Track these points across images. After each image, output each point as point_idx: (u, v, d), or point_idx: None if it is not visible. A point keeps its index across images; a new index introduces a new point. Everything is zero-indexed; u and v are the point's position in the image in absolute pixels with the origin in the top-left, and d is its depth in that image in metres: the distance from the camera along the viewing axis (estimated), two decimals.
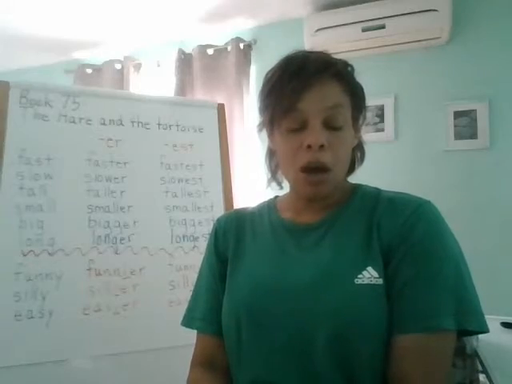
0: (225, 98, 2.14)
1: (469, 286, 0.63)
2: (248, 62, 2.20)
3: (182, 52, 2.28)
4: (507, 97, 1.82)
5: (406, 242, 0.64)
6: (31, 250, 1.35)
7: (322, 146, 0.66)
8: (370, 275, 0.64)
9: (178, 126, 1.32)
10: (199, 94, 2.23)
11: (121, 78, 2.43)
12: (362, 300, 0.63)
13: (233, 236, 0.80)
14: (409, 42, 1.89)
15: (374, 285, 0.64)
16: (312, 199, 0.73)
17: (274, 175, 0.82)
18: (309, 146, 0.66)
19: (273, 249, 0.75)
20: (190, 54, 2.29)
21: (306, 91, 0.66)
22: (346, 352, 0.62)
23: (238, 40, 2.18)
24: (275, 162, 0.80)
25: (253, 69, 2.21)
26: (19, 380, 1.26)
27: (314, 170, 0.68)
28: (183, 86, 2.27)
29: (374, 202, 0.72)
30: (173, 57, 2.28)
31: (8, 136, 1.20)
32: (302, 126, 0.67)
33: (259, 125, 0.77)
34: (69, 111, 1.14)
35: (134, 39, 2.37)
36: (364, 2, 1.91)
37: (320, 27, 1.96)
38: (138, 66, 2.43)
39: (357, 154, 0.79)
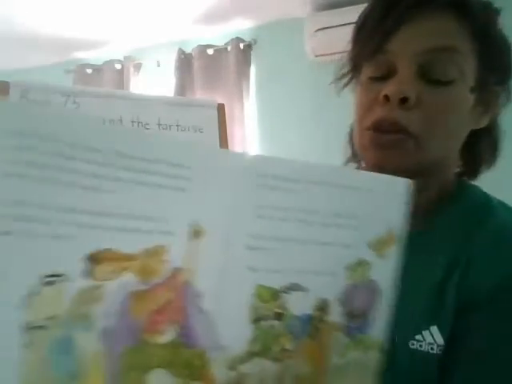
0: (225, 98, 2.14)
1: None
2: (248, 62, 2.19)
3: (181, 52, 2.28)
4: None
5: (502, 304, 0.42)
6: None
7: (404, 100, 0.44)
8: (432, 340, 0.44)
9: (178, 126, 1.33)
10: (199, 94, 2.23)
11: (121, 78, 2.43)
12: (411, 376, 0.44)
13: None
14: None
15: (432, 355, 0.44)
16: (385, 171, 0.49)
17: (354, 151, 0.58)
18: (386, 98, 0.45)
19: None
20: (190, 54, 2.29)
21: (401, 28, 0.46)
22: None
23: (238, 40, 2.18)
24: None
25: (253, 69, 2.21)
26: None
27: (386, 130, 0.46)
28: (183, 86, 2.27)
29: (476, 221, 0.47)
30: (173, 57, 2.28)
31: None
32: (388, 74, 0.47)
33: (343, 76, 0.55)
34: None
35: (134, 39, 2.37)
36: (364, 2, 1.90)
37: (320, 27, 1.96)
38: (137, 66, 2.43)
39: (482, 144, 0.52)
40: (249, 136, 2.15)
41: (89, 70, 2.53)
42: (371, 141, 0.47)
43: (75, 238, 0.26)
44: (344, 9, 1.92)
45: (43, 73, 2.60)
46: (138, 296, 0.28)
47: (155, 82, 2.39)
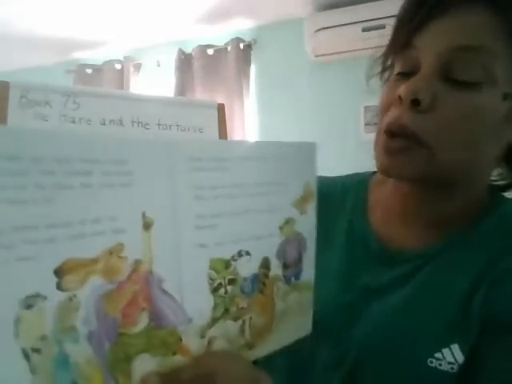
0: (225, 98, 2.14)
1: None
2: (248, 62, 2.19)
3: (181, 52, 2.28)
4: None
5: None
6: None
7: (416, 102, 0.41)
8: (452, 358, 0.42)
9: (178, 126, 1.33)
10: (199, 94, 2.23)
11: (121, 78, 2.43)
12: None
13: None
14: None
15: (452, 374, 0.41)
16: (389, 176, 0.47)
17: None
18: (399, 98, 0.42)
19: (340, 269, 0.51)
20: (190, 54, 2.29)
21: (432, 22, 0.42)
22: None
23: (238, 40, 2.18)
24: None
25: (253, 69, 2.21)
26: None
27: (395, 134, 0.43)
28: (183, 86, 2.27)
29: (509, 241, 0.44)
30: (173, 57, 2.28)
31: None
32: (413, 71, 0.43)
33: (382, 71, 0.51)
34: (69, 111, 1.33)
35: (134, 39, 2.37)
36: (364, 2, 1.91)
37: (320, 27, 1.96)
38: (137, 66, 2.43)
39: None
40: (249, 136, 2.15)
41: (89, 70, 2.53)
42: (382, 145, 0.44)
43: (38, 255, 0.26)
44: (344, 9, 1.92)
45: (43, 73, 2.60)
46: (108, 296, 0.30)
47: (155, 82, 2.39)
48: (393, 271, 0.48)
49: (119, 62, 2.46)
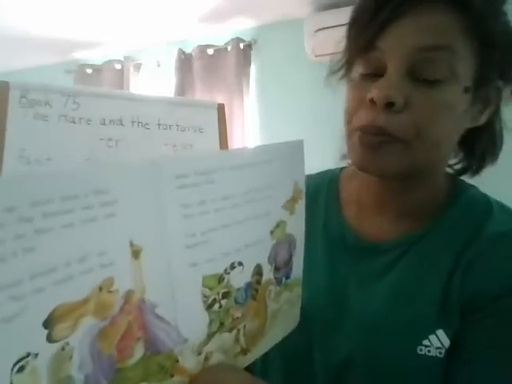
0: (225, 98, 2.14)
1: None
2: (248, 62, 2.19)
3: (181, 52, 2.28)
4: None
5: (505, 302, 0.42)
6: None
7: (390, 105, 0.42)
8: (439, 343, 0.43)
9: (178, 126, 1.33)
10: (199, 94, 2.23)
11: (121, 77, 2.43)
12: (420, 381, 0.44)
13: None
14: None
15: (441, 359, 0.43)
16: (369, 173, 0.47)
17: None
18: (371, 101, 0.43)
19: (320, 267, 0.51)
20: (189, 54, 2.29)
21: (394, 23, 0.42)
22: None
23: (238, 40, 2.18)
24: None
25: (253, 69, 2.21)
26: None
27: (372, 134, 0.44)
28: (183, 86, 2.27)
29: (476, 225, 0.46)
30: (173, 57, 2.28)
31: (8, 136, 1.31)
32: (379, 72, 0.44)
33: (337, 70, 0.51)
34: (69, 111, 1.31)
35: (134, 39, 2.37)
36: None
37: (320, 27, 1.96)
38: (137, 66, 2.43)
39: (482, 140, 0.49)
40: (249, 136, 2.15)
41: (89, 70, 2.53)
42: (359, 140, 0.45)
43: (24, 311, 0.24)
44: (344, 9, 1.92)
45: (43, 73, 2.60)
46: (102, 335, 0.28)
47: (155, 82, 2.39)
48: (372, 264, 0.49)
49: (119, 62, 2.46)
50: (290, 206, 0.40)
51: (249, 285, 0.37)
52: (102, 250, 0.27)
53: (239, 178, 0.35)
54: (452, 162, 0.53)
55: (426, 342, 0.43)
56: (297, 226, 0.41)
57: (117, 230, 0.28)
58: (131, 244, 0.29)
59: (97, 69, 2.52)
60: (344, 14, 2.12)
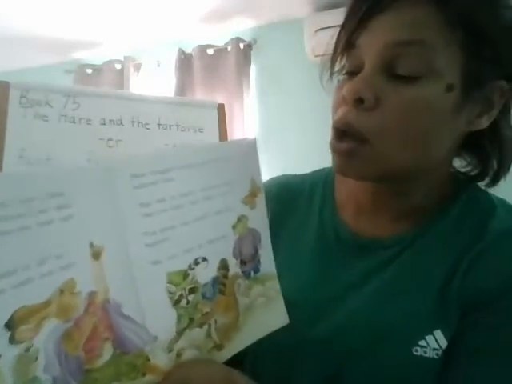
0: (225, 98, 2.14)
1: None
2: (248, 62, 2.19)
3: (181, 52, 2.28)
4: None
5: (505, 302, 0.41)
6: None
7: (358, 101, 0.41)
8: (437, 345, 0.42)
9: (178, 126, 1.33)
10: (199, 94, 2.23)
11: (121, 77, 2.43)
12: (415, 383, 0.43)
13: (277, 216, 0.54)
14: None
15: (438, 361, 0.42)
16: (348, 177, 0.47)
17: None
18: (343, 98, 0.43)
19: (312, 266, 0.51)
20: (190, 54, 2.29)
21: (372, 20, 0.42)
22: None
23: (238, 40, 2.18)
24: None
25: (253, 69, 2.21)
26: None
27: (343, 134, 0.43)
28: (183, 86, 2.27)
29: (478, 224, 0.45)
30: (173, 57, 2.28)
31: (8, 136, 1.31)
32: (359, 70, 0.43)
33: (331, 73, 0.51)
34: (69, 111, 1.30)
35: (134, 39, 2.37)
36: None
37: (320, 27, 1.96)
38: (137, 66, 2.43)
39: (487, 146, 0.47)
40: (249, 136, 2.15)
41: (89, 70, 2.53)
42: (331, 146, 0.45)
43: None
44: (344, 9, 1.92)
45: (43, 73, 2.60)
46: (67, 336, 0.28)
47: (155, 82, 2.39)
48: (367, 261, 0.48)
49: (119, 61, 2.46)
50: (249, 201, 0.41)
51: (215, 279, 0.38)
52: (61, 252, 0.28)
53: (196, 176, 0.36)
54: (467, 168, 0.50)
55: (422, 343, 0.42)
56: (259, 219, 0.42)
57: (75, 232, 0.29)
58: (91, 245, 0.29)
59: (97, 69, 2.52)
60: (344, 14, 2.10)
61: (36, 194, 0.27)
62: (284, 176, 0.62)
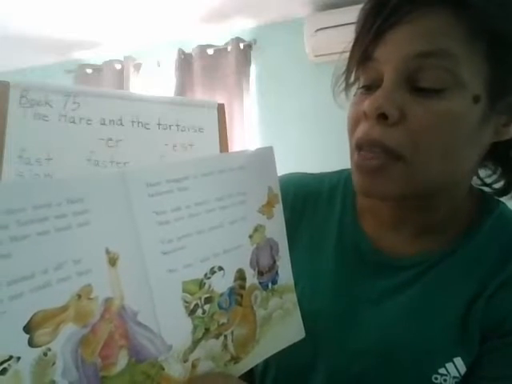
0: (225, 98, 2.14)
1: None
2: (248, 62, 2.19)
3: (181, 52, 2.28)
4: None
5: None
6: None
7: (383, 117, 0.39)
8: (456, 373, 0.40)
9: (178, 126, 1.33)
10: (199, 94, 2.23)
11: (121, 77, 2.43)
12: None
13: (294, 217, 0.52)
14: None
15: None
16: (371, 198, 0.45)
17: None
18: (365, 114, 0.41)
19: (330, 277, 0.49)
20: (189, 54, 2.29)
21: (390, 31, 0.40)
22: None
23: (238, 40, 2.18)
24: None
25: (253, 69, 2.21)
26: None
27: (369, 151, 0.41)
28: (183, 86, 2.27)
29: (505, 249, 0.43)
30: (173, 57, 2.28)
31: (8, 136, 1.30)
32: (377, 84, 0.41)
33: (346, 86, 0.48)
34: (69, 111, 1.29)
35: (134, 39, 2.37)
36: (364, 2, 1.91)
37: (320, 27, 1.96)
38: (137, 66, 2.43)
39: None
40: (249, 136, 2.15)
41: (89, 70, 2.53)
42: (355, 165, 0.43)
43: (3, 315, 0.25)
44: (344, 9, 1.92)
45: (43, 73, 2.60)
46: (84, 342, 0.29)
47: (155, 82, 2.39)
48: (388, 279, 0.46)
49: (119, 62, 2.46)
50: (266, 210, 0.40)
51: (232, 290, 0.37)
52: (78, 257, 0.28)
53: (212, 185, 0.36)
54: (490, 180, 0.49)
55: (442, 371, 0.40)
56: (276, 229, 0.41)
57: (91, 238, 0.29)
58: (107, 251, 0.30)
59: (97, 69, 2.51)
60: (344, 14, 2.12)
61: (54, 199, 0.27)
62: (300, 175, 0.59)
